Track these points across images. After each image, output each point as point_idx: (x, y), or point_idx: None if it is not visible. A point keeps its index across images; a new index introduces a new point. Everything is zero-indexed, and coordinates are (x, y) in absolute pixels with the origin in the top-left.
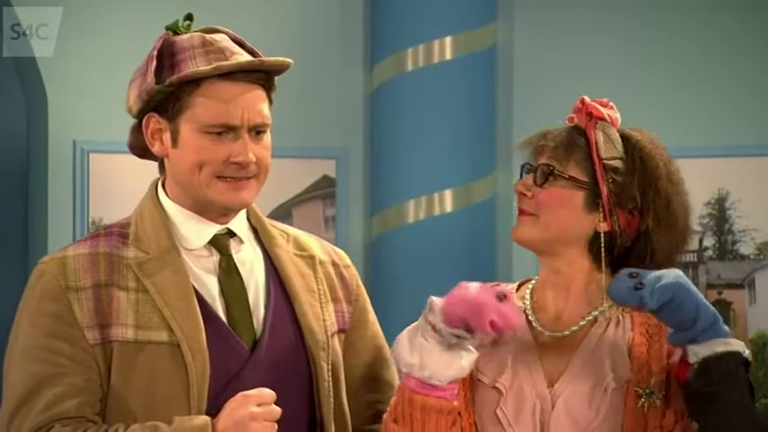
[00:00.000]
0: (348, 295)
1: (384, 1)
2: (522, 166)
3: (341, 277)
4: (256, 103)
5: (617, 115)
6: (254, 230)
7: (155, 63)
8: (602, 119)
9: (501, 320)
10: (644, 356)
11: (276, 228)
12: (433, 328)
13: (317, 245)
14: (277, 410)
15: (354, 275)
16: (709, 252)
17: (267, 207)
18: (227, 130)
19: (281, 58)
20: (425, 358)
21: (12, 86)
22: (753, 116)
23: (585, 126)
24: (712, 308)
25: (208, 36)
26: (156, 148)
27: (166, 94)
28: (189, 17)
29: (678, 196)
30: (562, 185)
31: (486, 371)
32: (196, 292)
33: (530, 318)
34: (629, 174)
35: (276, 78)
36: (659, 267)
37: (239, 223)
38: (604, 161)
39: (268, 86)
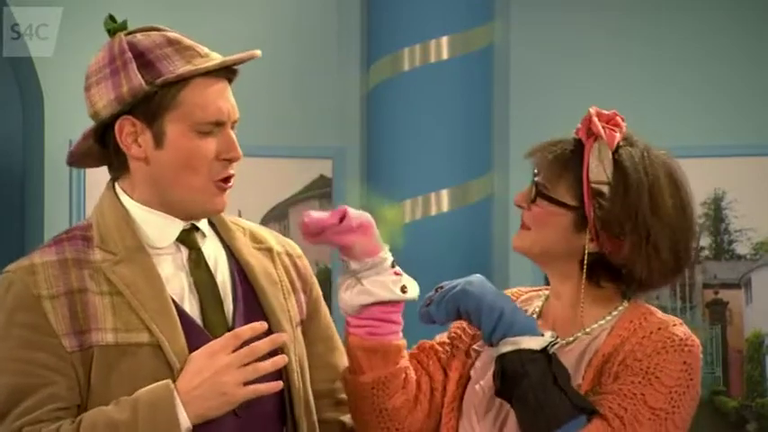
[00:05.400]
0: (304, 285)
1: (381, 1)
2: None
3: (296, 267)
4: (232, 99)
5: (618, 133)
6: (212, 225)
7: (134, 64)
8: (600, 137)
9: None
10: (600, 364)
11: (232, 222)
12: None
13: (271, 236)
14: (246, 350)
15: (307, 266)
16: (706, 252)
17: (263, 207)
18: (216, 127)
19: (250, 52)
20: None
21: (8, 86)
22: (750, 116)
23: (585, 142)
24: (500, 307)
25: (168, 35)
26: (132, 151)
27: (147, 94)
28: (112, 18)
29: (664, 228)
30: (551, 205)
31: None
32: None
33: None
34: (613, 201)
35: (272, 76)
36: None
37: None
38: (592, 185)
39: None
